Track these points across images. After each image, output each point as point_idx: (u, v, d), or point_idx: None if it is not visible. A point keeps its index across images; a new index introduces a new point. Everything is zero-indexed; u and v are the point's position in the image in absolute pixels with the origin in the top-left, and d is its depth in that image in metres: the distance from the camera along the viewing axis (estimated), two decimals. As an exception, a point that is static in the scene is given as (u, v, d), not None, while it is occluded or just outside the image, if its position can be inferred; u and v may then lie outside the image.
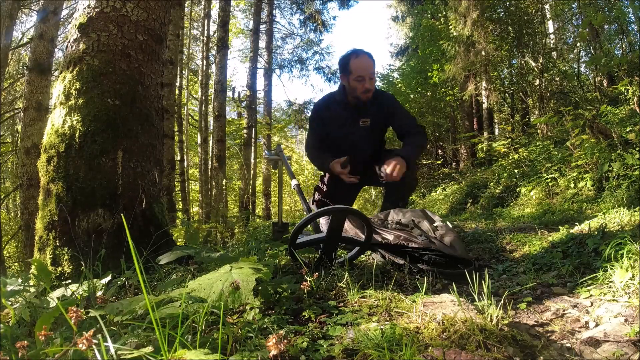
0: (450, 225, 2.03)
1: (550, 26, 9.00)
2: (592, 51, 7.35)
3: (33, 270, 1.44)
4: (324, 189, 2.61)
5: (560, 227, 2.42)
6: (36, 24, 5.13)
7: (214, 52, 10.00)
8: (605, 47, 6.84)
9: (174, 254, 1.59)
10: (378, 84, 12.53)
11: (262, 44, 12.78)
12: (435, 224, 1.96)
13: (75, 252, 1.77)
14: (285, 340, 0.80)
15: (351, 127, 2.48)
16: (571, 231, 2.24)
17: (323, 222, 2.19)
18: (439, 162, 10.42)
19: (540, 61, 7.84)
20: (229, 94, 11.36)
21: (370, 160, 2.57)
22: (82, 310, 0.82)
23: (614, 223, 2.15)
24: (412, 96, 10.58)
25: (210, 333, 0.96)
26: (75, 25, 2.03)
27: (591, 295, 1.35)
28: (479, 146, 8.45)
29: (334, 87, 20.50)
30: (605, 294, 1.31)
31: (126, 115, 1.97)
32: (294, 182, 2.34)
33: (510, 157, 6.55)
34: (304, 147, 2.71)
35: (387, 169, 2.15)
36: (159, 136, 2.16)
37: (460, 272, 1.64)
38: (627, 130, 4.06)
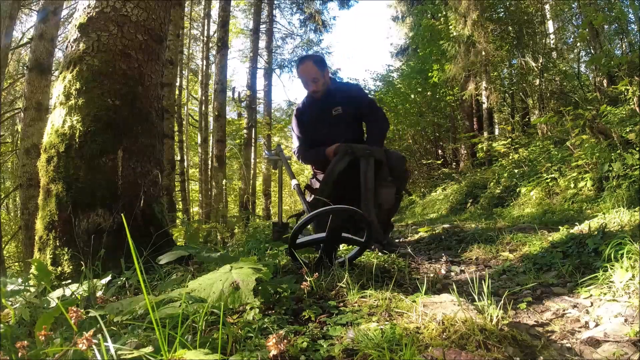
0: None
1: (550, 26, 9.00)
2: (592, 51, 7.35)
3: (33, 270, 1.44)
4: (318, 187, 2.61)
5: (560, 227, 2.42)
6: (36, 24, 5.12)
7: (214, 52, 10.00)
8: (605, 47, 6.84)
9: (174, 254, 1.59)
10: (378, 83, 12.53)
11: (262, 44, 12.77)
12: None
13: (75, 252, 1.77)
14: (285, 340, 0.80)
15: (326, 118, 2.65)
16: (571, 231, 2.24)
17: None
18: (439, 162, 10.42)
19: (540, 61, 7.84)
20: (229, 94, 11.35)
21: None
22: (82, 310, 0.82)
23: (614, 223, 2.15)
24: (412, 96, 10.58)
25: (210, 333, 0.96)
26: (75, 25, 2.03)
27: (591, 295, 1.35)
28: (479, 146, 8.45)
29: (334, 87, 20.39)
30: (605, 294, 1.31)
31: (126, 115, 1.97)
32: (294, 182, 2.34)
33: (510, 157, 6.55)
34: (294, 153, 2.81)
35: None
36: (159, 136, 2.16)
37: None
38: (627, 130, 4.06)
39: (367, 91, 11.87)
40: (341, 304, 1.21)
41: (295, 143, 2.80)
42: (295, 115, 2.81)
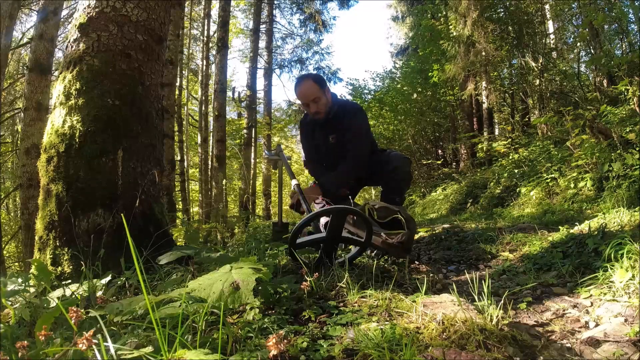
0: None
1: (550, 26, 8.99)
2: (592, 51, 7.34)
3: (33, 270, 1.44)
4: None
5: (560, 227, 2.42)
6: (36, 24, 5.13)
7: (214, 52, 9.99)
8: (605, 47, 6.84)
9: (174, 254, 1.59)
10: (378, 84, 12.52)
11: (262, 44, 12.78)
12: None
13: (75, 252, 1.77)
14: (285, 340, 0.80)
15: (324, 144, 2.54)
16: (571, 231, 2.24)
17: (323, 222, 2.19)
18: (439, 162, 10.41)
19: (540, 61, 7.84)
20: (229, 94, 11.36)
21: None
22: (82, 310, 0.82)
23: (614, 223, 2.15)
24: (414, 95, 10.57)
25: (210, 333, 0.96)
26: (75, 25, 2.03)
27: (591, 295, 1.35)
28: (479, 146, 8.45)
29: (333, 87, 20.52)
30: (605, 294, 1.32)
31: (126, 115, 1.96)
32: (294, 182, 2.34)
33: (510, 157, 6.55)
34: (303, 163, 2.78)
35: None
36: (159, 136, 2.16)
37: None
38: (627, 130, 4.05)
39: (367, 91, 11.91)
40: (341, 304, 1.21)
41: (303, 154, 2.73)
42: (301, 125, 2.68)
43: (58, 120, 1.93)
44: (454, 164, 10.67)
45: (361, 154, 2.44)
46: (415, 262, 2.20)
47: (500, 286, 1.62)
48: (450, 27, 9.02)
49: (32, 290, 1.39)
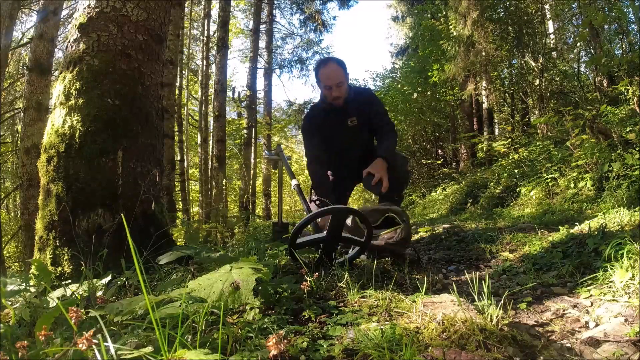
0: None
1: (550, 26, 8.98)
2: (592, 51, 7.34)
3: (33, 270, 1.44)
4: None
5: (560, 227, 2.42)
6: (36, 24, 5.13)
7: (214, 52, 9.98)
8: (605, 47, 6.84)
9: (174, 254, 1.59)
10: (378, 83, 12.53)
11: (262, 44, 12.77)
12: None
13: (75, 252, 1.77)
14: (285, 340, 0.80)
15: (340, 129, 2.50)
16: (571, 231, 2.24)
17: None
18: (439, 162, 10.42)
19: (540, 61, 7.84)
20: (229, 94, 11.35)
21: (364, 157, 2.55)
22: (82, 310, 0.82)
23: (614, 223, 2.15)
24: (414, 95, 10.57)
25: (210, 333, 0.96)
26: (75, 25, 2.03)
27: (591, 295, 1.35)
28: (479, 146, 8.44)
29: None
30: (605, 294, 1.31)
31: (126, 115, 1.97)
32: (294, 182, 2.34)
33: (510, 157, 6.55)
34: (305, 160, 2.71)
35: (374, 180, 2.16)
36: (159, 136, 2.16)
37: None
38: (627, 130, 4.05)
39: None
40: (341, 304, 1.21)
41: (307, 150, 2.60)
42: (307, 124, 2.58)
43: (58, 120, 1.93)
44: (454, 164, 10.67)
45: (393, 128, 2.54)
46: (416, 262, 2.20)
47: (500, 286, 1.62)
48: (450, 27, 9.02)
49: (32, 290, 1.39)
